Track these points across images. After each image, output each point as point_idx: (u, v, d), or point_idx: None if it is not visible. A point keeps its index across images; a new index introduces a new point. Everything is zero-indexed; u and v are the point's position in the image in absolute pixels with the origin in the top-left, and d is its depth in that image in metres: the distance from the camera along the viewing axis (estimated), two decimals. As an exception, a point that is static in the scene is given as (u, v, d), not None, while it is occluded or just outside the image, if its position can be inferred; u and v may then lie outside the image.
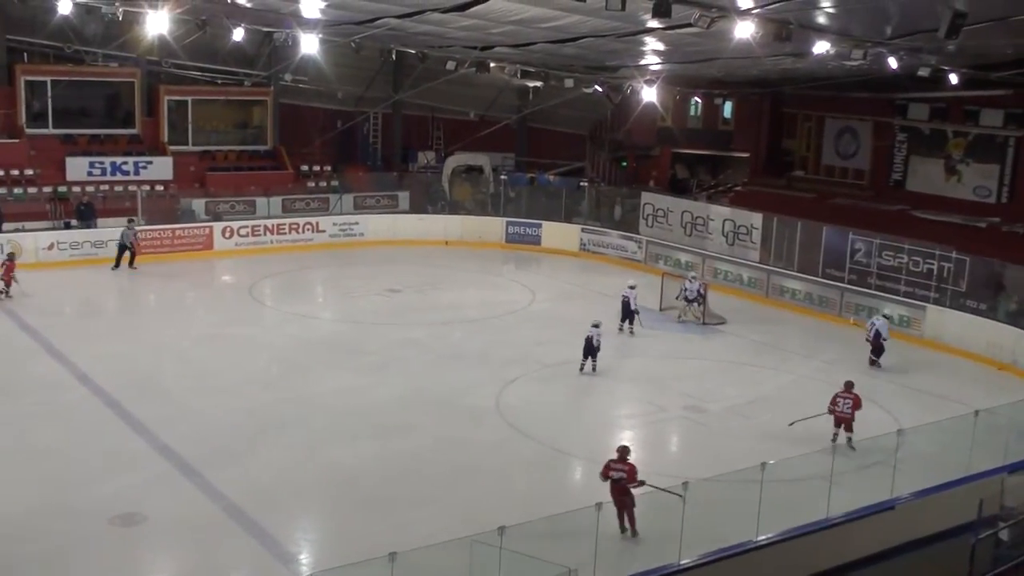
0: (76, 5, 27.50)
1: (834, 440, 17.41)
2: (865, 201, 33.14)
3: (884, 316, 24.10)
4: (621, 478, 13.87)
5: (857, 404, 17.56)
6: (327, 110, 41.21)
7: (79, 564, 13.21)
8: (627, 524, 13.90)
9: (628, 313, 24.92)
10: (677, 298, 26.42)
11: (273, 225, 33.70)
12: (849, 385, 17.90)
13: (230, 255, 32.60)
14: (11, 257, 26.72)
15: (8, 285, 26.04)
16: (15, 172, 33.10)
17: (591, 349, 21.58)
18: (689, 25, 17.52)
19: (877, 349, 23.01)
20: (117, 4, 26.69)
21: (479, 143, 40.46)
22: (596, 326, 21.75)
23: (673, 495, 13.05)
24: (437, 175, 39.44)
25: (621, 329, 24.90)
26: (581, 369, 21.63)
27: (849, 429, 17.47)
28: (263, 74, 38.30)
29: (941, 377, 23.04)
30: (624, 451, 14.22)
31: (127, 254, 29.86)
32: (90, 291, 28.34)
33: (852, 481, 15.19)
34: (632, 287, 25.09)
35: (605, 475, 14.04)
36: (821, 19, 19.33)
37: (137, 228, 30.52)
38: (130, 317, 26.68)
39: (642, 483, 13.79)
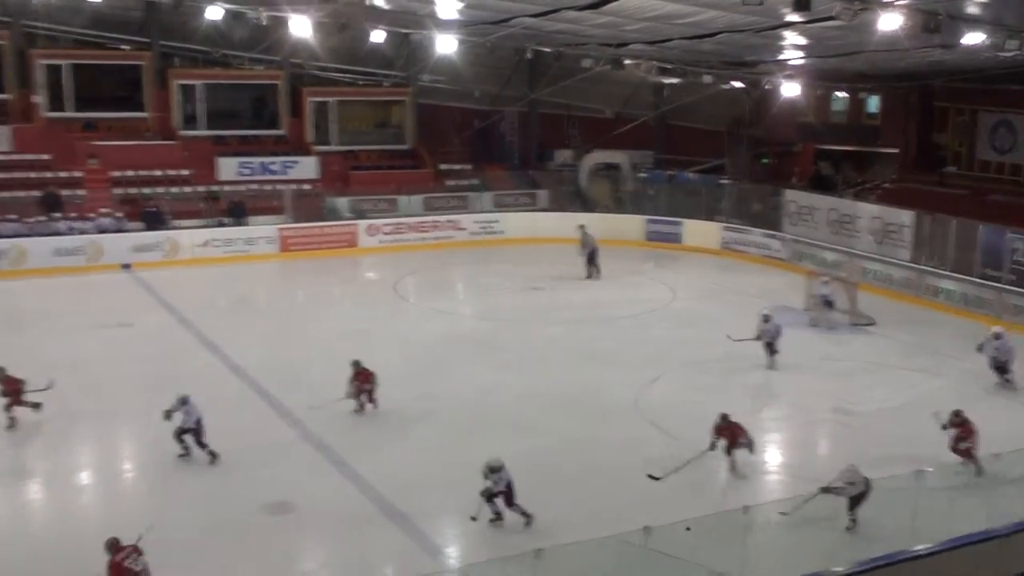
0: (224, 12, 28.61)
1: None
2: (1024, 198, 31.59)
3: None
4: None
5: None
6: (464, 109, 41.64)
7: (227, 550, 13.65)
8: None
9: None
10: (809, 307, 25.62)
11: (415, 223, 34.31)
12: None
13: (374, 252, 33.36)
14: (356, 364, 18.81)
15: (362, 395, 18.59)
16: (171, 172, 34.49)
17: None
18: (831, 18, 17.10)
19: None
20: (262, 10, 27.66)
21: (616, 141, 40.27)
22: (766, 319, 21.71)
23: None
24: (575, 173, 39.44)
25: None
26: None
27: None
28: (402, 75, 39.04)
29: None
30: None
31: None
32: (242, 286, 29.44)
33: (1013, 492, 14.50)
34: (998, 336, 20.65)
35: None
36: (972, 9, 18.53)
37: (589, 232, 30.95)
38: (279, 311, 27.42)
39: None
